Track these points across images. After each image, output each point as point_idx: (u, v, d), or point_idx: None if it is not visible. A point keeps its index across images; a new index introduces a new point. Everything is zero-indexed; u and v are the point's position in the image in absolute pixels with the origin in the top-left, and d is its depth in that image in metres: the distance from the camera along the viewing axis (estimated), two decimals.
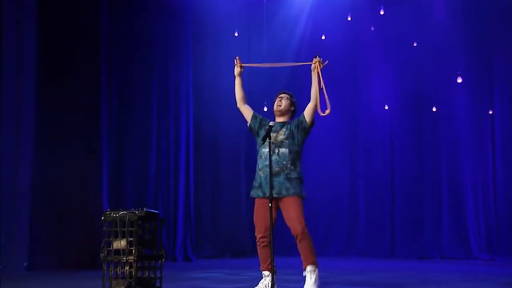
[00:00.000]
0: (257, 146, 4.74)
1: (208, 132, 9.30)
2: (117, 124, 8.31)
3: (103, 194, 7.65)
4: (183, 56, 8.84)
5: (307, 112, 4.83)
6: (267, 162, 4.64)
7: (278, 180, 4.77)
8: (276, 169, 4.76)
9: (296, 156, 4.84)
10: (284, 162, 4.74)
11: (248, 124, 5.02)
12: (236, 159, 9.61)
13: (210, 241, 9.30)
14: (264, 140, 4.44)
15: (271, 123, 4.56)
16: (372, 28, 9.65)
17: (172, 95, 8.73)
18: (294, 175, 4.82)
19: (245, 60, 7.87)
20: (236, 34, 9.25)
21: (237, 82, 4.99)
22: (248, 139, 9.35)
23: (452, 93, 9.44)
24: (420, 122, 9.63)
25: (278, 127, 4.86)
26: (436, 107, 9.42)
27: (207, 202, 9.37)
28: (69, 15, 7.60)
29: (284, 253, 8.20)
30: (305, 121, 4.82)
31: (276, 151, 4.73)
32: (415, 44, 9.31)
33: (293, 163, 4.78)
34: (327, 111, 4.55)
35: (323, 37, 9.72)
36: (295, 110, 4.93)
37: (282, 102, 4.91)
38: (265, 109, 8.65)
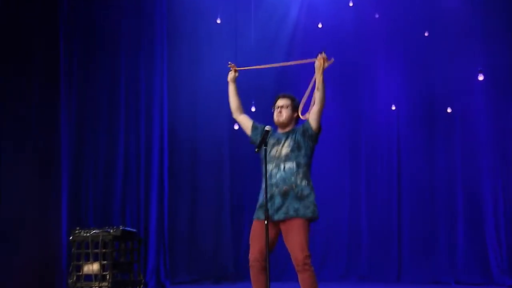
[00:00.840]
0: (261, 163, 4.35)
1: (185, 136, 8.53)
2: (76, 129, 7.51)
3: (61, 210, 6.93)
4: (156, 48, 8.09)
5: (312, 117, 4.47)
6: (275, 180, 4.35)
7: (287, 201, 4.37)
8: (284, 187, 4.37)
9: (307, 169, 4.49)
10: (293, 179, 4.38)
11: (249, 138, 4.68)
12: (219, 168, 8.78)
13: (187, 263, 8.45)
14: (259, 147, 4.17)
15: (267, 128, 4.32)
16: (377, 15, 8.83)
17: (143, 94, 7.96)
18: (306, 191, 4.44)
19: (230, 54, 8.03)
20: (218, 21, 8.42)
21: (231, 89, 4.68)
22: (232, 143, 8.60)
23: (471, 92, 8.56)
24: (432, 125, 8.77)
25: (282, 139, 4.50)
26: (451, 108, 8.48)
27: (183, 217, 8.51)
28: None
29: (274, 277, 7.06)
30: (311, 127, 4.46)
31: (282, 166, 4.37)
32: (426, 34, 8.43)
33: (304, 178, 4.42)
34: (307, 115, 4.35)
35: (319, 25, 8.88)
36: (298, 114, 4.54)
37: (282, 113, 4.52)
38: (253, 109, 7.91)
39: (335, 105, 8.76)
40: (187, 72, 8.55)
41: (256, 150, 4.22)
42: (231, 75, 4.61)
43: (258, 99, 8.08)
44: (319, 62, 4.27)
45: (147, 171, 7.99)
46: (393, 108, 8.87)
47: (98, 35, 7.88)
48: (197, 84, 8.55)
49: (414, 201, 8.87)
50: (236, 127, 7.88)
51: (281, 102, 4.59)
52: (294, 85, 7.97)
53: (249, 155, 7.57)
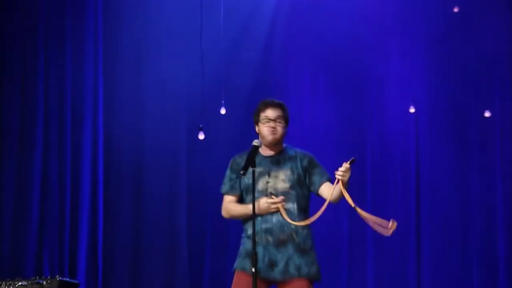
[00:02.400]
0: (244, 192, 4.22)
1: (128, 150, 7.27)
2: None
3: None
4: (87, 39, 7.05)
5: (320, 189, 4.24)
6: (269, 225, 4.11)
7: (286, 254, 4.14)
8: (280, 236, 4.12)
9: (307, 214, 4.25)
10: (293, 226, 4.11)
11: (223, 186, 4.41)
12: (172, 188, 7.51)
13: None
14: (245, 168, 3.87)
15: (255, 142, 4.08)
16: None
17: (69, 98, 6.81)
18: (309, 243, 4.19)
19: (191, 45, 7.09)
20: None
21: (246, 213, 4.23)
22: (192, 157, 7.42)
23: None
24: (463, 133, 7.71)
25: (273, 168, 4.18)
26: (490, 111, 7.47)
27: (124, 259, 7.28)
28: None
29: None
30: (316, 186, 4.23)
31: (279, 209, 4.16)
32: (456, 10, 7.46)
33: (306, 225, 4.18)
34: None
35: None
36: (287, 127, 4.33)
37: (277, 129, 4.21)
38: (223, 111, 6.94)
39: (332, 107, 7.67)
40: (131, 68, 7.31)
41: (241, 172, 3.91)
42: (269, 208, 4.12)
43: (228, 95, 7.12)
44: (345, 175, 3.92)
45: (74, 196, 6.79)
46: (412, 110, 7.39)
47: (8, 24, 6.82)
48: (143, 87, 7.36)
49: (438, 231, 7.57)
50: (201, 136, 6.92)
51: (273, 113, 4.24)
52: (278, 85, 7.36)
53: (215, 172, 6.45)
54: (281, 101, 4.39)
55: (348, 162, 3.95)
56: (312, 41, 7.59)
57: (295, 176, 4.23)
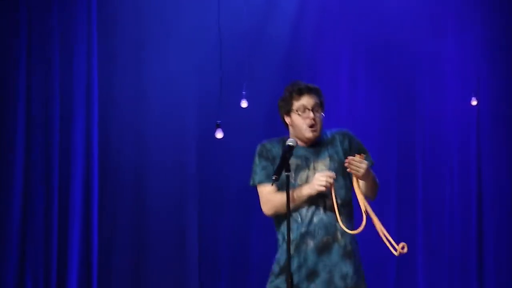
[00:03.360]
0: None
1: (127, 156, 6.77)
2: None
3: None
4: (78, 32, 6.62)
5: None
6: (310, 227, 3.91)
7: (329, 260, 3.93)
8: (324, 238, 3.93)
9: (351, 209, 4.02)
10: (337, 225, 3.92)
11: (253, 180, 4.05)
12: (181, 197, 6.99)
13: None
14: (278, 172, 3.65)
15: (290, 142, 3.81)
16: None
17: (57, 98, 6.43)
18: (354, 245, 3.98)
19: (210, 23, 6.68)
20: None
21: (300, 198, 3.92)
22: (203, 163, 6.95)
23: None
24: None
25: (312, 157, 3.97)
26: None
27: (123, 283, 6.80)
28: None
29: None
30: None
31: (321, 204, 3.91)
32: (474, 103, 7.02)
33: (350, 223, 3.98)
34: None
35: None
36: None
37: (316, 122, 3.96)
38: (244, 104, 6.47)
39: (374, 100, 7.17)
40: (130, 60, 6.85)
41: (273, 177, 3.64)
42: (323, 186, 3.80)
43: (252, 81, 6.67)
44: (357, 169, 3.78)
45: (63, 204, 6.37)
46: (474, 103, 6.92)
47: None
48: (143, 84, 6.91)
49: (503, 252, 6.98)
50: (218, 135, 6.39)
51: (310, 100, 3.97)
52: (308, 74, 6.71)
53: (234, 177, 6.59)
54: (316, 85, 4.06)
55: (358, 155, 3.78)
56: (351, 20, 6.95)
57: (336, 164, 3.97)
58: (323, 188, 3.78)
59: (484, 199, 7.30)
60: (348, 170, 3.80)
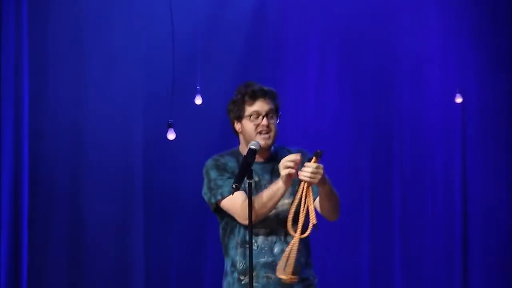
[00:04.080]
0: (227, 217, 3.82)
1: (61, 165, 6.38)
2: None
3: None
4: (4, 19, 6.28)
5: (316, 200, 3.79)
6: (269, 258, 3.76)
7: None
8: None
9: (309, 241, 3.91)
10: (302, 258, 3.80)
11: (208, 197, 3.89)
12: (123, 219, 6.54)
13: None
14: (239, 180, 3.51)
15: (252, 145, 3.64)
16: None
17: None
18: (314, 280, 3.91)
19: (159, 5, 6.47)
20: None
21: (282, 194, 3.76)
22: (151, 168, 6.59)
23: None
24: None
25: (270, 175, 3.83)
26: None
27: None
28: None
29: None
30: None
31: (281, 232, 3.79)
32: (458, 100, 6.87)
33: (309, 256, 3.90)
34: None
35: None
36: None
37: (271, 129, 3.85)
38: (198, 101, 6.17)
39: (345, 95, 6.90)
40: (67, 56, 6.50)
41: (234, 186, 3.54)
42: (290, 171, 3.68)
43: (206, 81, 6.32)
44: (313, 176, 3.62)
45: None
46: (459, 100, 6.62)
47: None
48: (84, 73, 6.56)
49: (493, 269, 6.74)
50: (170, 136, 6.07)
51: (264, 105, 3.88)
52: (272, 65, 6.55)
53: (186, 184, 6.27)
54: (271, 88, 3.94)
55: (313, 158, 3.56)
56: (321, 4, 6.66)
57: (296, 187, 3.76)
58: (291, 171, 3.61)
59: (470, 207, 7.15)
60: (299, 177, 3.60)
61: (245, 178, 3.59)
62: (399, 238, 6.89)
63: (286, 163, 3.62)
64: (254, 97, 3.85)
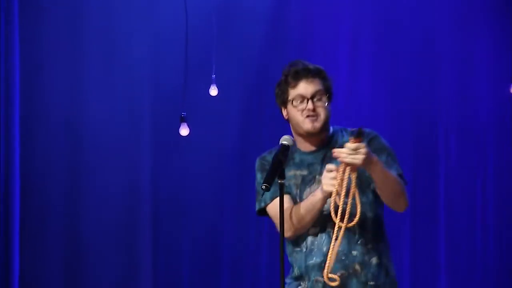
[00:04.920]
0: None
1: (57, 165, 6.21)
2: None
3: None
4: None
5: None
6: (316, 259, 3.58)
7: None
8: (340, 272, 3.54)
9: (382, 231, 3.64)
10: (357, 253, 3.56)
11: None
12: (128, 226, 6.33)
13: None
14: (269, 180, 3.36)
15: (284, 140, 3.49)
16: None
17: None
18: (391, 275, 3.63)
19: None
20: None
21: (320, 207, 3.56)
22: (159, 168, 6.34)
23: None
24: None
25: (321, 165, 3.61)
26: None
27: None
28: None
29: None
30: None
31: (330, 229, 3.54)
32: None
33: (379, 249, 3.61)
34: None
35: None
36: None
37: (319, 112, 3.62)
38: (214, 92, 5.86)
39: (381, 90, 6.56)
40: (64, 51, 6.29)
41: (263, 187, 3.35)
42: (334, 186, 3.48)
43: (225, 72, 5.98)
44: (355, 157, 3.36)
45: None
46: None
47: None
48: (82, 68, 6.32)
49: None
50: (184, 131, 5.79)
51: (309, 87, 3.67)
52: (297, 48, 6.26)
53: (200, 186, 6.02)
54: (318, 66, 3.71)
55: (353, 138, 3.35)
56: None
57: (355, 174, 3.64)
58: (332, 189, 3.43)
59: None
60: (339, 159, 3.41)
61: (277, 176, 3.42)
62: (443, 244, 6.66)
63: (329, 180, 3.46)
64: (297, 78, 3.65)
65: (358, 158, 3.33)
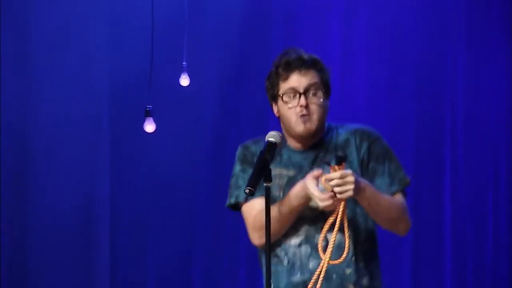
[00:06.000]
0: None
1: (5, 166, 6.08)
2: None
3: None
4: None
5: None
6: (304, 275, 3.50)
7: None
8: None
9: (375, 246, 3.54)
10: (350, 271, 3.49)
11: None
12: (83, 236, 6.10)
13: None
14: (254, 183, 3.21)
15: (270, 137, 3.31)
16: None
17: None
18: None
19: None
20: None
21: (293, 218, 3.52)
22: (117, 168, 6.14)
23: None
24: None
25: (312, 166, 3.55)
26: None
27: None
28: None
29: None
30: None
31: (320, 241, 3.47)
32: None
33: (371, 267, 3.52)
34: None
35: None
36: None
37: (311, 111, 3.53)
38: (185, 82, 5.60)
39: (379, 77, 6.30)
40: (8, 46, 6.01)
41: (246, 190, 3.17)
42: (326, 200, 3.34)
43: (198, 59, 5.79)
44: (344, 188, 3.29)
45: None
46: None
47: None
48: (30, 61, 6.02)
49: None
50: (149, 127, 5.60)
51: (301, 79, 3.55)
52: (283, 34, 6.13)
53: (165, 191, 5.86)
54: (314, 55, 3.59)
55: (333, 167, 3.29)
56: None
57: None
58: (330, 208, 3.34)
59: None
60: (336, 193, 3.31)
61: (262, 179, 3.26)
62: (449, 258, 6.41)
63: (323, 202, 3.36)
64: (288, 70, 3.50)
65: (346, 190, 3.23)
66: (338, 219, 3.31)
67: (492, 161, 6.41)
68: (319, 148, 3.55)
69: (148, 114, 5.41)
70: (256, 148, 3.60)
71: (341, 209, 3.32)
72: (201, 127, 5.82)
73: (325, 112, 3.56)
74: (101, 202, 5.97)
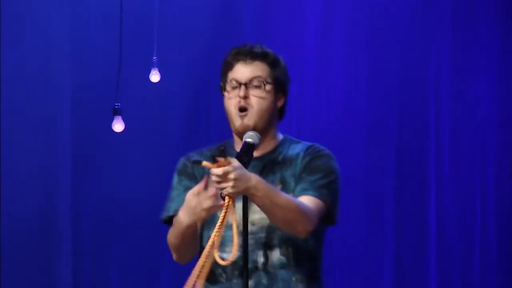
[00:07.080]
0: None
1: None
2: None
3: None
4: None
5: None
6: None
7: None
8: None
9: (315, 265, 3.48)
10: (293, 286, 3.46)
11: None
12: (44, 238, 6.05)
13: None
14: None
15: (248, 138, 3.35)
16: None
17: None
18: None
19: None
20: None
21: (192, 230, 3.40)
22: (81, 172, 6.02)
23: None
24: None
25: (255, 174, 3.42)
26: None
27: None
28: None
29: None
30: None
31: (258, 256, 3.44)
32: None
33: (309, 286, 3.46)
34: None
35: None
36: (286, 101, 3.53)
37: (252, 100, 3.47)
38: (155, 78, 5.63)
39: (359, 79, 6.37)
40: None
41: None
42: (207, 201, 3.25)
43: (169, 53, 5.82)
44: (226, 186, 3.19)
45: None
46: None
47: None
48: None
49: None
50: (117, 127, 5.59)
51: (246, 71, 3.50)
52: (256, 29, 6.09)
53: (133, 195, 5.84)
54: (270, 50, 3.54)
55: (213, 164, 3.21)
56: None
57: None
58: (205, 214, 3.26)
59: None
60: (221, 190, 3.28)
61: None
62: (433, 268, 6.40)
63: (205, 202, 3.28)
64: (234, 59, 3.42)
65: (226, 187, 3.13)
66: (221, 215, 3.25)
67: (480, 165, 6.41)
68: (268, 156, 3.53)
69: (116, 112, 5.39)
70: (201, 158, 3.50)
71: (225, 205, 3.25)
72: (171, 125, 5.80)
73: (270, 109, 3.47)
74: (63, 203, 5.93)
